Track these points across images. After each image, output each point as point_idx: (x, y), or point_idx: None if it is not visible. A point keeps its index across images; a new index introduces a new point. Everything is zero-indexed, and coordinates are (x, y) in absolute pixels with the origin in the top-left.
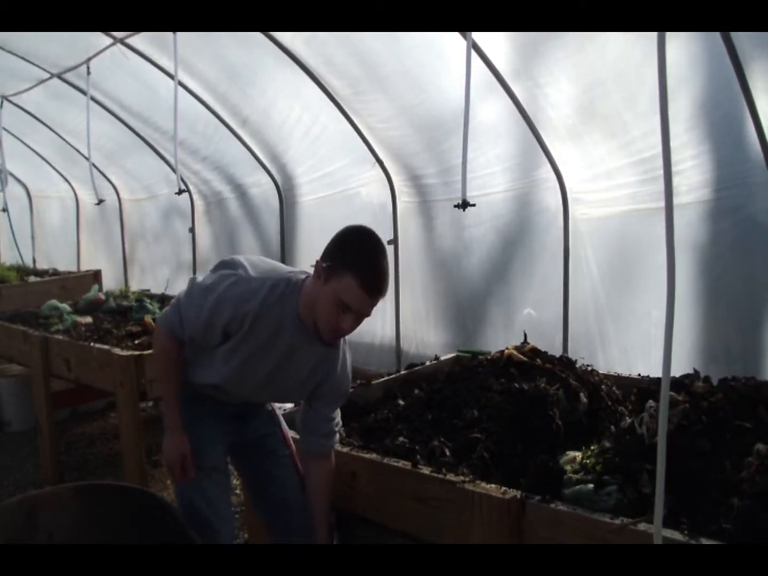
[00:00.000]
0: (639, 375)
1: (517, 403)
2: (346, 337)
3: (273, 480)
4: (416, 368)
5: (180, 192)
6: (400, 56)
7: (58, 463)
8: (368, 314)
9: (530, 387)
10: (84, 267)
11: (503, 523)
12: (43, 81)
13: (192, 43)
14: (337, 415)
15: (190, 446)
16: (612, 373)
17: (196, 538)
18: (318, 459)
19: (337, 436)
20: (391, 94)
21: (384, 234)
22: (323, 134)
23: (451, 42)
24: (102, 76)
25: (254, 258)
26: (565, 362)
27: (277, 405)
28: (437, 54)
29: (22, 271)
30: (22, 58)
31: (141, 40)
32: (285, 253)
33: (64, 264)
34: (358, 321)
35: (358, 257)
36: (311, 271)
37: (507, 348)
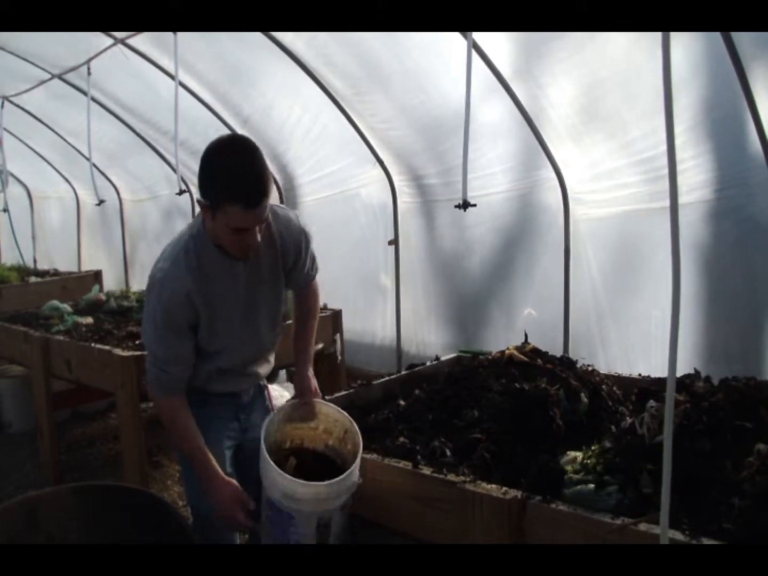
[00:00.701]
0: (639, 375)
1: (518, 404)
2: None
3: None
4: (417, 368)
5: (181, 192)
6: (400, 56)
7: (58, 463)
8: (266, 218)
9: (531, 387)
10: (85, 267)
11: (504, 523)
12: (44, 81)
13: (192, 43)
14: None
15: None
16: (613, 373)
17: (195, 539)
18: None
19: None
20: (392, 95)
21: (385, 234)
22: (324, 134)
23: (451, 42)
24: (103, 77)
25: (163, 251)
26: (566, 362)
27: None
28: (438, 54)
29: (23, 271)
30: (23, 58)
31: (142, 40)
32: None
33: (65, 264)
34: (261, 228)
35: (226, 183)
36: None
37: (508, 348)
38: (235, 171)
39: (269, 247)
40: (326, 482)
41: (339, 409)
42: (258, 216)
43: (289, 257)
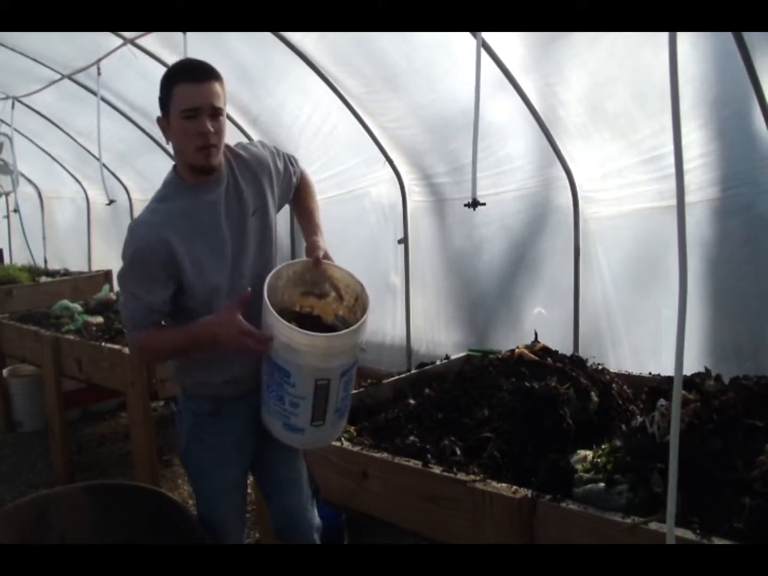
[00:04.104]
0: (650, 374)
1: (528, 403)
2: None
3: (282, 485)
4: (427, 368)
5: None
6: (410, 55)
7: (69, 463)
8: (217, 103)
9: (541, 386)
10: (95, 267)
11: (514, 522)
12: (53, 82)
13: (201, 43)
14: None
15: (203, 468)
16: (623, 372)
17: (207, 538)
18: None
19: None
20: (401, 94)
21: (394, 233)
22: (333, 134)
23: (461, 41)
24: (112, 77)
25: None
26: (576, 361)
27: None
28: (447, 53)
29: (34, 271)
30: (33, 59)
31: (151, 40)
32: (295, 254)
33: (76, 264)
34: (215, 120)
35: (172, 71)
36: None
37: (518, 347)
38: (176, 63)
39: (246, 178)
40: (325, 334)
41: (351, 273)
42: (200, 91)
43: (267, 182)
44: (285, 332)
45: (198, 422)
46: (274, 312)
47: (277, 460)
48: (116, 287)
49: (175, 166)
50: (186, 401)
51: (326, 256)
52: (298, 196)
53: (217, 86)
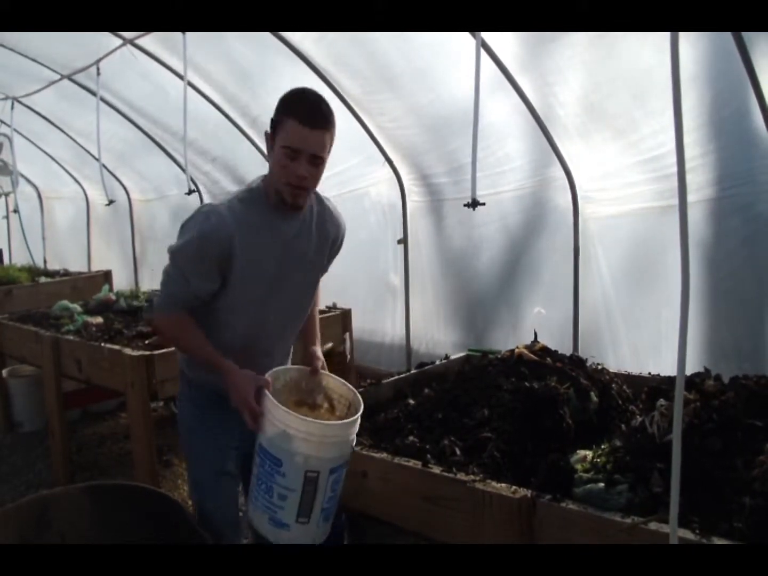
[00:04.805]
0: (649, 374)
1: (528, 402)
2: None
3: None
4: (426, 367)
5: (190, 192)
6: (409, 55)
7: (69, 463)
8: (320, 153)
9: (541, 386)
10: (95, 267)
11: (514, 522)
12: (53, 82)
13: (201, 43)
14: None
15: (197, 451)
16: (622, 372)
17: (207, 538)
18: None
19: None
20: (400, 94)
21: (394, 233)
22: None
23: (460, 41)
24: (112, 77)
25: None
26: (576, 361)
27: None
28: (446, 53)
29: (33, 271)
30: (33, 59)
31: (150, 40)
32: None
33: (75, 264)
34: (314, 166)
35: (292, 101)
36: None
37: (517, 347)
38: (304, 95)
39: (318, 229)
40: (321, 421)
41: (345, 382)
42: (309, 137)
43: (328, 245)
44: (282, 417)
45: (198, 411)
46: (272, 399)
47: None
48: (115, 287)
49: (266, 176)
50: (188, 391)
51: (323, 366)
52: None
53: (326, 136)
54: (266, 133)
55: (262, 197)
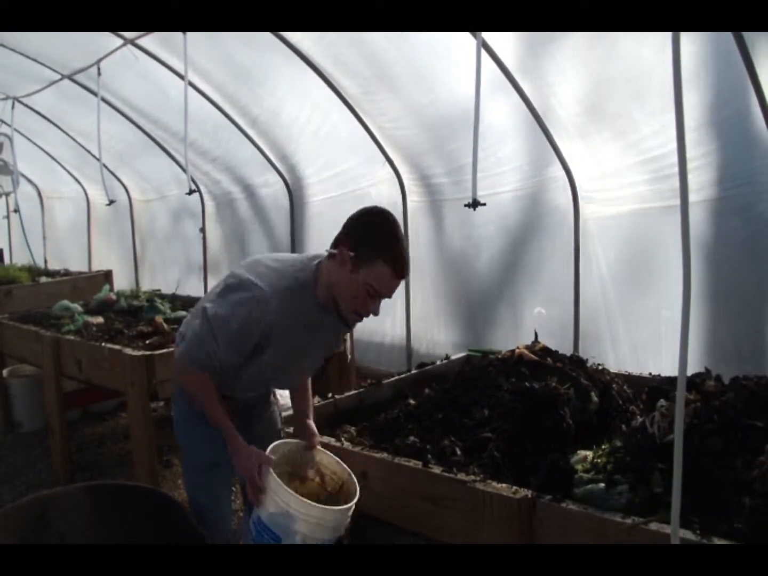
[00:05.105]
0: (650, 374)
1: (528, 403)
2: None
3: None
4: (427, 368)
5: (190, 192)
6: (409, 55)
7: (69, 463)
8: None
9: (541, 386)
10: (95, 267)
11: (514, 522)
12: (54, 82)
13: (201, 44)
14: None
15: (190, 443)
16: (623, 372)
17: (207, 538)
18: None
19: None
20: (400, 94)
21: None
22: (333, 134)
23: (460, 41)
24: (112, 78)
25: (259, 266)
26: (576, 361)
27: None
28: (446, 53)
29: (34, 271)
30: (33, 59)
31: (151, 41)
32: (294, 252)
33: (76, 264)
34: (380, 304)
35: (386, 243)
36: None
37: (517, 347)
38: (397, 239)
39: (335, 330)
40: (321, 506)
41: (339, 460)
42: (396, 287)
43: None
44: (285, 498)
45: (189, 408)
46: (277, 478)
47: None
48: (116, 287)
49: (315, 271)
50: (180, 388)
51: (318, 442)
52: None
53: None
54: (344, 252)
55: (311, 291)
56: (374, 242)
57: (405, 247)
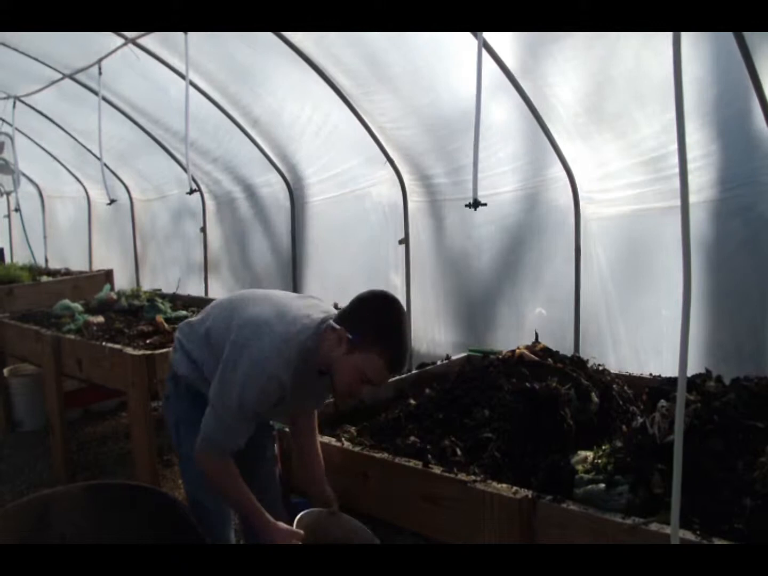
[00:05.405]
0: (650, 374)
1: (529, 403)
2: None
3: (254, 480)
4: (427, 368)
5: (191, 192)
6: (409, 55)
7: (69, 462)
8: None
9: (541, 386)
10: (96, 267)
11: (514, 522)
12: (54, 82)
13: (202, 43)
14: None
15: (188, 444)
16: (623, 373)
17: (206, 538)
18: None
19: None
20: (401, 94)
21: (395, 233)
22: (334, 134)
23: (460, 41)
24: (113, 77)
25: (263, 329)
26: (577, 362)
27: None
28: (447, 53)
29: (35, 270)
30: (34, 59)
31: (152, 40)
32: (296, 253)
33: (76, 264)
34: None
35: (384, 334)
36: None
37: (518, 347)
38: (396, 331)
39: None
40: None
41: (361, 524)
42: (388, 378)
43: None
44: None
45: (186, 404)
46: None
47: (256, 459)
48: (117, 286)
49: (322, 335)
50: (174, 389)
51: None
52: (311, 425)
53: None
54: (341, 332)
55: (314, 358)
56: (373, 331)
57: (406, 342)
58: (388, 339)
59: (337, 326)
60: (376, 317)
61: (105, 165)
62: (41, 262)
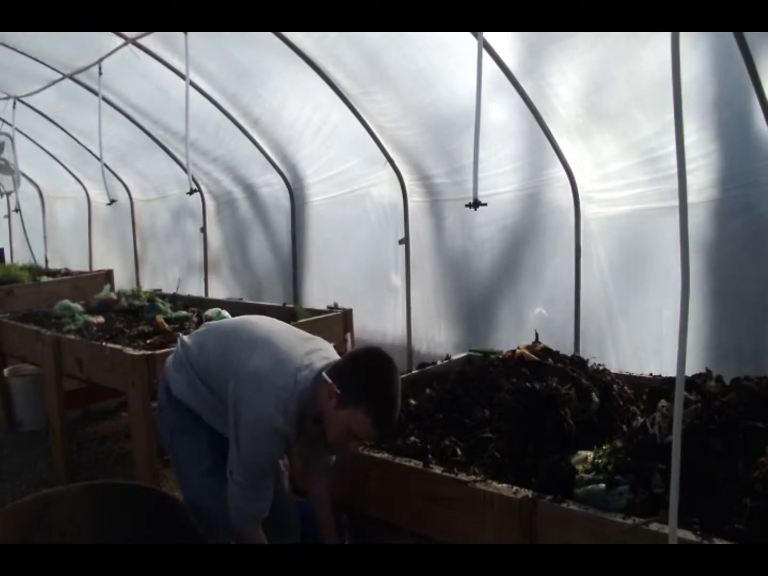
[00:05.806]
0: (651, 374)
1: (529, 403)
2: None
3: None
4: (427, 368)
5: (191, 192)
6: (410, 56)
7: (69, 462)
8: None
9: (542, 386)
10: (96, 267)
11: (515, 522)
12: (55, 82)
13: (202, 44)
14: None
15: (194, 451)
16: (623, 373)
17: (205, 538)
18: (321, 474)
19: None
20: (401, 94)
21: (395, 233)
22: (334, 134)
23: (461, 41)
24: (113, 77)
25: (264, 382)
26: (577, 362)
27: None
28: (447, 53)
29: (35, 270)
30: (35, 59)
31: (152, 40)
32: (296, 253)
33: (77, 264)
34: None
35: (373, 394)
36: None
37: (518, 347)
38: (385, 390)
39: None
40: None
41: None
42: (375, 436)
43: None
44: None
45: (178, 414)
46: None
47: None
48: (117, 286)
49: (315, 394)
50: (167, 400)
51: None
52: (325, 485)
53: None
54: (331, 387)
55: (311, 409)
56: (362, 389)
57: (393, 401)
58: (376, 398)
59: (329, 380)
60: (367, 375)
61: (105, 165)
62: (41, 263)
